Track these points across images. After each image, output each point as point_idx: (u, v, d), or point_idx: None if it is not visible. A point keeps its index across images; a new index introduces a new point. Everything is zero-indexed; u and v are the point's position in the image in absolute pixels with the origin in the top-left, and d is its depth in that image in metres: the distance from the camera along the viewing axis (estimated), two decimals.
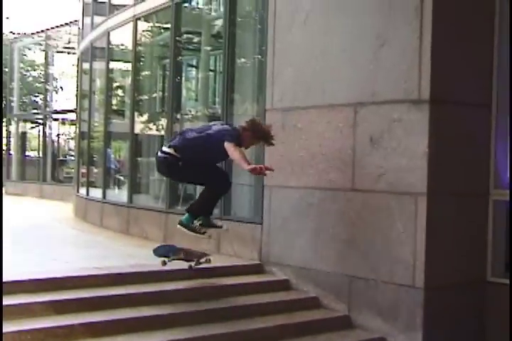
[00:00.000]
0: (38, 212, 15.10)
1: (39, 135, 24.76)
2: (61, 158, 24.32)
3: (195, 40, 10.88)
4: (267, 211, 7.50)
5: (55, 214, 14.70)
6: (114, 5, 12.00)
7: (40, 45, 24.21)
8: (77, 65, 16.28)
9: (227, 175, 7.00)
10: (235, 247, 7.91)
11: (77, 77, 16.39)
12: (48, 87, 23.56)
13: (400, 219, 6.05)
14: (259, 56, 8.52)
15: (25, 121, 25.31)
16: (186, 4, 9.99)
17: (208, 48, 10.31)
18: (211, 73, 10.51)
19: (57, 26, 22.03)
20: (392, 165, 6.14)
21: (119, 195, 11.56)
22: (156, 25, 11.24)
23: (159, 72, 11.69)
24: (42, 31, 22.84)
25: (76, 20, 18.42)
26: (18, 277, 6.04)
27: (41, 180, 22.01)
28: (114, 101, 13.12)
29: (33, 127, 27.18)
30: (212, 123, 6.98)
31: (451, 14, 6.06)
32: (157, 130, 11.34)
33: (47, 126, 22.95)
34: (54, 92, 26.47)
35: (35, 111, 26.48)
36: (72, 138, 25.39)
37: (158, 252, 6.94)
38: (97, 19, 13.04)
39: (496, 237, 6.26)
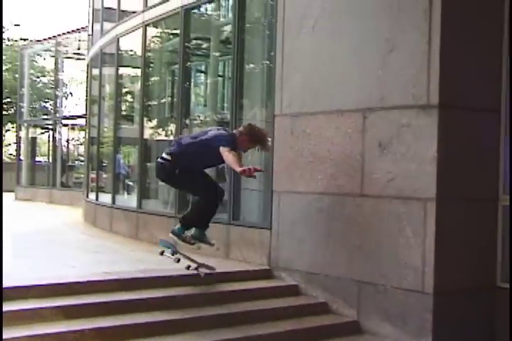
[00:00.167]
0: (48, 217, 15.13)
1: (49, 140, 24.82)
2: (70, 163, 24.40)
3: (204, 45, 10.90)
4: (275, 216, 7.49)
5: (64, 219, 14.72)
6: (124, 11, 12.02)
7: (50, 51, 24.31)
8: (87, 71, 16.31)
9: (222, 190, 7.03)
10: (244, 252, 7.90)
11: (87, 82, 16.42)
12: (57, 92, 23.64)
13: (409, 225, 6.03)
14: (268, 62, 8.52)
15: (35, 126, 25.41)
16: (195, 10, 9.99)
17: (217, 54, 10.31)
18: (220, 79, 10.52)
19: (66, 33, 22.11)
20: (401, 171, 6.12)
21: (129, 200, 11.57)
22: (165, 31, 11.26)
23: (168, 78, 11.71)
24: (52, 38, 22.94)
25: (85, 27, 18.48)
26: (28, 282, 6.06)
27: (51, 185, 22.07)
28: (123, 107, 13.14)
29: (42, 133, 27.28)
30: (209, 129, 7.07)
31: (459, 18, 6.05)
32: (166, 135, 11.35)
33: (56, 131, 23.00)
34: (64, 98, 26.57)
35: (45, 116, 26.57)
36: (81, 144, 25.49)
37: (164, 243, 7.07)
38: (107, 25, 13.07)
39: (505, 242, 6.22)
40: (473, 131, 6.18)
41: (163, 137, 11.47)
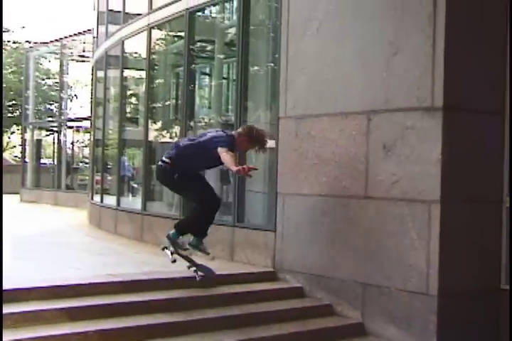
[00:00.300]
0: (53, 219, 15.15)
1: (54, 142, 24.88)
2: (75, 165, 24.43)
3: (209, 48, 10.91)
4: (280, 218, 7.49)
5: (69, 221, 14.75)
6: (129, 14, 12.05)
7: (56, 53, 24.38)
8: (92, 73, 16.35)
9: (219, 199, 7.01)
10: (249, 254, 7.90)
11: (92, 85, 16.47)
12: (62, 95, 23.69)
13: (413, 227, 6.02)
14: (272, 64, 8.53)
15: (40, 128, 25.47)
16: (200, 13, 10.01)
17: (221, 56, 10.33)
18: (224, 81, 10.53)
19: (71, 35, 22.16)
20: (405, 173, 6.12)
21: (133, 202, 11.57)
22: (170, 33, 11.27)
23: (173, 80, 11.72)
24: (57, 40, 22.99)
25: (90, 29, 18.52)
26: (32, 284, 6.07)
27: (56, 188, 22.10)
28: (128, 109, 13.16)
29: (47, 135, 27.34)
30: (208, 131, 7.08)
31: (463, 21, 6.05)
32: (171, 137, 11.36)
33: (61, 133, 23.05)
34: (68, 100, 26.61)
35: (50, 119, 26.63)
36: (86, 146, 25.52)
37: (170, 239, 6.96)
38: (112, 28, 13.09)
39: (510, 244, 6.22)
40: (478, 133, 6.18)
41: (167, 139, 11.47)
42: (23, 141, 25.76)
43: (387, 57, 6.32)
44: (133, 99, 13.42)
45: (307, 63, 7.28)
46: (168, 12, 10.07)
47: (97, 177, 14.31)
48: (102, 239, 10.88)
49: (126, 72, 12.60)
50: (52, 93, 32.81)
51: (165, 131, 11.58)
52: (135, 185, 12.35)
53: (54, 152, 24.60)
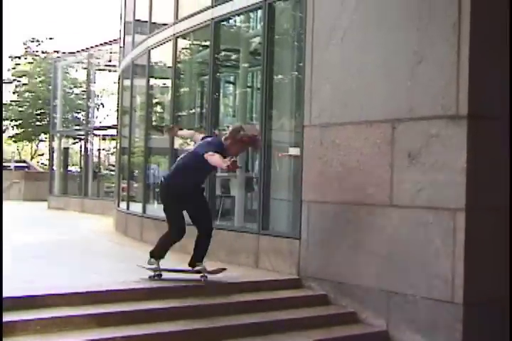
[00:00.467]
0: (79, 226, 15.24)
1: (80, 150, 25.06)
2: (102, 172, 24.58)
3: (233, 57, 10.94)
4: (304, 226, 7.47)
5: (95, 228, 14.83)
6: (155, 24, 12.12)
7: (83, 63, 24.58)
8: (118, 82, 16.45)
9: (182, 228, 7.08)
10: (273, 262, 7.88)
11: (118, 94, 16.56)
12: (89, 103, 23.88)
13: (438, 235, 5.98)
14: (297, 73, 8.53)
15: (67, 137, 25.67)
16: (225, 22, 10.04)
17: (246, 65, 10.35)
18: (248, 89, 10.55)
19: (98, 45, 22.34)
20: (430, 181, 6.08)
21: (159, 209, 11.57)
22: (195, 43, 11.32)
23: (197, 89, 11.77)
24: (84, 50, 23.19)
25: (117, 39, 18.66)
26: (61, 290, 6.11)
27: (82, 195, 22.24)
28: (153, 117, 13.22)
29: (74, 143, 27.55)
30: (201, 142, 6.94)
31: (487, 29, 6.02)
32: (191, 145, 11.39)
33: (88, 141, 23.23)
34: (95, 109, 26.82)
35: (77, 127, 26.84)
36: (112, 154, 25.69)
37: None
38: (138, 38, 13.18)
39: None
40: (502, 140, 6.12)
41: (192, 147, 11.49)
42: (51, 148, 25.96)
43: (411, 66, 6.30)
44: (158, 108, 13.48)
45: (332, 72, 7.28)
46: (194, 22, 10.11)
47: (123, 185, 14.37)
48: (127, 245, 10.91)
49: (152, 81, 12.66)
50: (80, 102, 33.10)
51: (189, 139, 11.60)
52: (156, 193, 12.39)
53: (81, 160, 24.77)
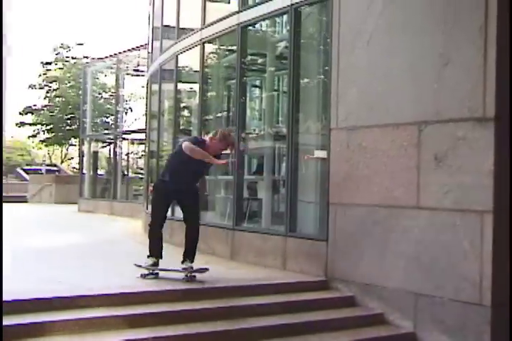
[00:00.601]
0: (108, 228, 15.34)
1: (109, 154, 25.25)
2: (130, 176, 24.72)
3: (259, 61, 10.96)
4: (331, 228, 7.46)
5: (125, 230, 14.92)
6: (182, 29, 12.17)
7: (112, 68, 24.77)
8: (147, 87, 16.55)
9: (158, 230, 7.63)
10: (301, 263, 7.87)
11: (146, 98, 16.66)
12: (118, 108, 24.06)
13: (465, 237, 5.94)
14: (323, 76, 8.53)
15: (96, 141, 25.88)
16: (251, 27, 10.06)
17: (272, 69, 10.36)
18: (275, 93, 10.56)
19: (127, 51, 22.50)
20: (457, 183, 6.04)
21: None
22: (222, 47, 11.36)
23: (224, 93, 11.80)
24: (113, 55, 23.37)
25: (144, 45, 18.78)
26: (94, 291, 6.18)
27: (111, 198, 22.40)
28: (181, 121, 13.27)
29: (103, 146, 27.77)
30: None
31: None
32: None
33: (117, 145, 23.40)
34: (124, 113, 26.99)
35: (106, 131, 27.04)
36: (140, 157, 25.83)
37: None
38: (166, 43, 13.25)
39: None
40: None
41: None
42: (81, 152, 26.18)
43: (437, 69, 6.27)
44: (186, 112, 13.54)
45: (358, 76, 7.27)
46: (221, 27, 10.15)
47: (152, 188, 14.41)
48: None
49: (180, 86, 12.72)
50: (108, 106, 33.35)
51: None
52: None
53: (109, 163, 24.96)
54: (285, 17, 9.33)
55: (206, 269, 7.19)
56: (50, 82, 41.86)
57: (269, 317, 6.28)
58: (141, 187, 19.40)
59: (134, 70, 24.04)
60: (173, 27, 12.64)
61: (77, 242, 11.13)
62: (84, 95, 26.37)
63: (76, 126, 37.22)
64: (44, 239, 12.02)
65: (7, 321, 5.22)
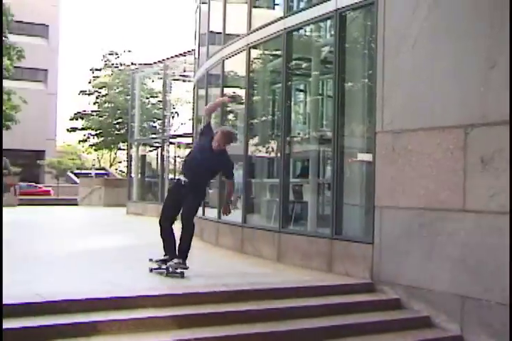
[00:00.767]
0: (157, 231, 15.43)
1: (157, 158, 25.48)
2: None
3: (304, 65, 10.96)
4: (377, 231, 7.43)
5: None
6: (228, 35, 12.25)
7: (159, 74, 25.01)
8: (193, 92, 16.67)
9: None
10: (347, 266, 7.85)
11: (193, 103, 16.78)
12: (165, 113, 24.28)
13: None
14: (367, 80, 8.50)
15: (144, 145, 26.15)
16: (296, 32, 10.07)
17: (317, 73, 10.35)
18: (319, 97, 10.54)
19: (173, 56, 22.70)
20: (503, 186, 5.96)
21: (234, 215, 11.65)
22: (268, 52, 11.39)
23: (269, 97, 11.83)
24: (160, 61, 23.60)
25: (191, 51, 18.92)
26: (143, 292, 6.25)
27: (159, 200, 22.57)
28: (227, 125, 13.31)
29: (151, 150, 28.05)
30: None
31: None
32: (267, 152, 11.45)
33: (164, 149, 23.61)
34: (171, 118, 27.22)
35: (153, 135, 27.32)
36: None
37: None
38: (212, 48, 13.33)
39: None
40: None
41: (265, 154, 11.56)
42: (129, 156, 26.48)
43: (483, 73, 6.21)
44: (231, 116, 13.60)
45: (403, 79, 7.23)
46: (267, 32, 10.18)
47: None
48: (204, 250, 11.03)
49: (226, 90, 12.78)
50: (156, 111, 33.72)
51: (261, 146, 11.67)
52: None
53: (157, 167, 25.17)
54: (329, 22, 9.33)
55: (185, 267, 7.44)
56: (100, 88, 42.54)
57: (315, 319, 6.28)
58: None
59: (181, 76, 24.24)
60: (220, 33, 12.72)
61: (126, 244, 11.27)
62: (133, 100, 26.68)
63: (124, 130, 37.74)
64: (94, 240, 12.21)
65: (60, 320, 5.35)
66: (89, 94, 42.85)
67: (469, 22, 6.50)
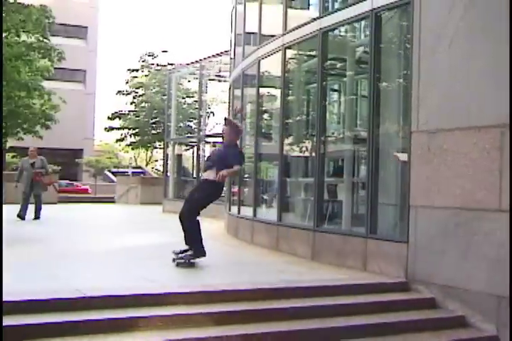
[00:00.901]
0: None
1: (193, 157, 25.60)
2: None
3: (338, 65, 10.92)
4: (412, 230, 7.37)
5: (208, 230, 15.06)
6: (264, 35, 12.24)
7: (195, 74, 25.10)
8: (229, 92, 16.71)
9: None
10: (381, 265, 7.80)
11: (229, 103, 16.82)
12: (201, 112, 24.38)
13: None
14: (403, 80, 8.44)
15: (180, 144, 26.28)
16: (331, 32, 10.03)
17: (351, 73, 10.31)
18: (354, 97, 10.49)
19: (209, 57, 22.77)
20: None
21: (269, 213, 11.67)
22: (303, 53, 11.37)
23: (304, 97, 11.80)
24: (196, 62, 23.70)
25: (226, 51, 18.95)
26: (180, 289, 6.29)
27: None
28: (263, 125, 13.34)
29: (186, 149, 28.20)
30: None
31: None
32: (301, 151, 11.44)
33: (200, 148, 23.70)
34: (206, 117, 27.31)
35: (189, 135, 27.44)
36: None
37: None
38: (248, 49, 13.35)
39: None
40: None
41: (299, 153, 11.55)
42: (165, 155, 26.63)
43: None
44: (267, 115, 13.60)
45: (439, 79, 7.16)
46: (302, 32, 10.16)
47: (234, 190, 14.54)
48: (239, 247, 11.07)
49: (262, 90, 12.79)
50: (192, 111, 33.86)
51: (295, 146, 11.66)
52: (266, 197, 12.49)
53: (193, 166, 25.28)
54: (363, 22, 9.29)
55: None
56: (137, 88, 42.86)
57: (350, 317, 6.25)
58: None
59: (216, 76, 24.30)
60: (255, 33, 12.72)
61: (162, 242, 11.31)
62: (169, 100, 26.82)
63: (161, 129, 37.97)
64: (131, 238, 12.31)
65: (97, 316, 5.41)
66: (126, 94, 43.18)
67: (506, 21, 6.41)
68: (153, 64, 43.54)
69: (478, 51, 6.69)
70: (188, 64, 25.22)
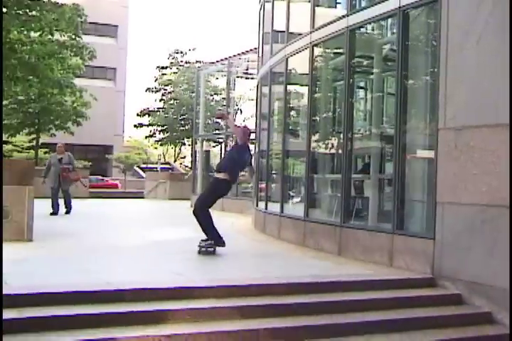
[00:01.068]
0: (221, 224, 15.54)
1: (220, 153, 25.64)
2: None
3: (365, 63, 10.86)
4: (439, 226, 7.32)
5: (235, 226, 15.12)
6: (292, 33, 12.22)
7: (223, 71, 25.12)
8: (257, 89, 16.70)
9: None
10: (407, 261, 7.76)
11: (256, 100, 16.81)
12: (229, 109, 24.40)
13: None
14: (429, 77, 8.37)
15: (208, 140, 26.34)
16: (358, 30, 9.98)
17: (378, 71, 10.25)
18: (380, 94, 10.43)
19: (237, 54, 22.78)
20: None
21: (296, 209, 11.67)
22: (330, 50, 11.33)
23: (331, 94, 11.76)
24: (224, 59, 23.72)
25: (253, 49, 18.94)
26: (208, 283, 6.31)
27: None
28: (290, 122, 13.32)
29: (214, 146, 28.26)
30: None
31: None
32: (326, 148, 11.41)
33: (227, 145, 23.74)
34: (234, 114, 27.32)
35: (217, 131, 27.49)
36: None
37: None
38: (276, 47, 13.33)
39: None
40: None
41: (326, 150, 11.52)
42: (194, 152, 26.71)
43: None
44: (294, 113, 13.57)
45: (466, 76, 7.09)
46: (330, 30, 10.12)
47: (261, 186, 14.56)
48: (267, 242, 11.07)
49: (289, 87, 12.77)
50: (220, 108, 33.91)
51: (321, 143, 11.63)
52: (293, 193, 12.48)
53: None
54: (390, 19, 9.23)
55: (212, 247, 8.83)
56: (166, 86, 43.04)
57: (376, 312, 6.25)
58: (250, 185, 19.61)
59: (244, 73, 24.30)
60: (283, 31, 12.71)
61: (191, 236, 11.33)
62: (197, 97, 26.88)
63: (189, 126, 38.10)
64: (160, 232, 12.40)
65: (126, 308, 5.48)
66: (155, 92, 43.38)
67: None
68: (182, 61, 43.69)
69: (507, 47, 6.60)
70: (216, 61, 25.25)
